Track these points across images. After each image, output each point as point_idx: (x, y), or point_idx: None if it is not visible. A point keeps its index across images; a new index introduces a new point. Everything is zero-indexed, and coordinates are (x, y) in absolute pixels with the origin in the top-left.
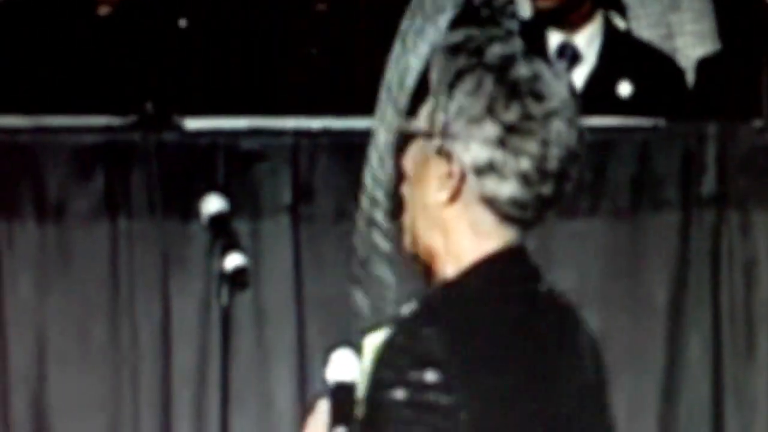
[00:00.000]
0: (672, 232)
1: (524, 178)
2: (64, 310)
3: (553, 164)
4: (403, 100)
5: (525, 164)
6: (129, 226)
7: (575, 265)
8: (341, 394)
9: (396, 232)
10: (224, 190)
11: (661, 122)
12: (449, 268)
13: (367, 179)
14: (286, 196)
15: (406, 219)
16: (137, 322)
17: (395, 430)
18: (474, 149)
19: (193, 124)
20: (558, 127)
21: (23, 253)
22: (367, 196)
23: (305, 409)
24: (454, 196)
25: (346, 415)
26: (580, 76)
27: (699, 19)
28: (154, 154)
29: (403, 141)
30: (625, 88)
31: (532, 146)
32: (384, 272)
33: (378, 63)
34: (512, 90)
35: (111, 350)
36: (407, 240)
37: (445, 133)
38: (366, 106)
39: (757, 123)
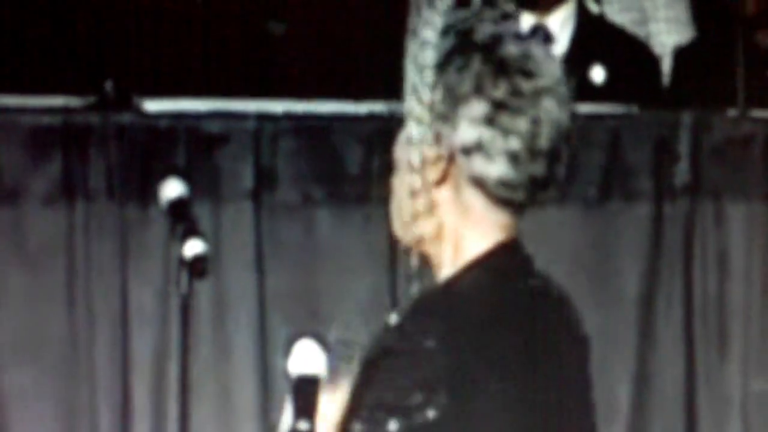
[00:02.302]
0: (644, 222)
1: (513, 158)
2: (19, 295)
3: (543, 143)
4: (428, 94)
5: (514, 143)
6: (86, 210)
7: (543, 256)
8: (304, 386)
9: None
10: (184, 175)
11: (633, 110)
12: (445, 256)
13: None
14: (248, 182)
15: (394, 208)
16: (94, 308)
17: None
18: (462, 129)
19: (153, 106)
20: (548, 105)
21: None
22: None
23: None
24: (443, 179)
25: (309, 408)
26: None
27: (673, 5)
28: (113, 136)
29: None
30: (598, 74)
31: (521, 124)
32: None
33: (343, 45)
34: (500, 67)
35: (67, 338)
36: (397, 229)
37: (437, 116)
38: (330, 89)
39: (732, 112)
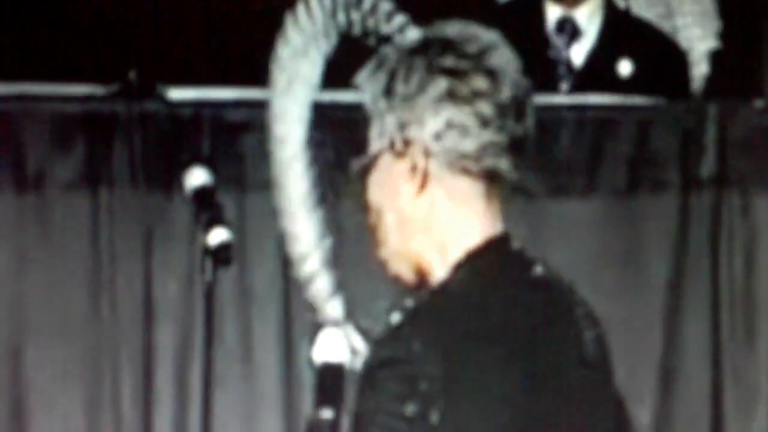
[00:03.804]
0: (670, 213)
1: (484, 121)
2: (44, 282)
3: (506, 94)
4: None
5: (480, 105)
6: (110, 198)
7: (570, 247)
8: (328, 374)
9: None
10: (209, 163)
11: (660, 101)
12: (438, 269)
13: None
14: (272, 170)
15: (385, 248)
16: (118, 296)
17: None
18: (428, 119)
19: (177, 94)
20: (498, 57)
21: (1, 223)
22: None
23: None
24: (423, 182)
25: (334, 396)
26: (579, 52)
27: None
28: (137, 124)
29: (362, 176)
30: (625, 67)
31: (479, 83)
32: (354, 338)
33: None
34: (442, 45)
35: (91, 324)
36: (394, 267)
37: (400, 127)
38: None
39: (758, 103)
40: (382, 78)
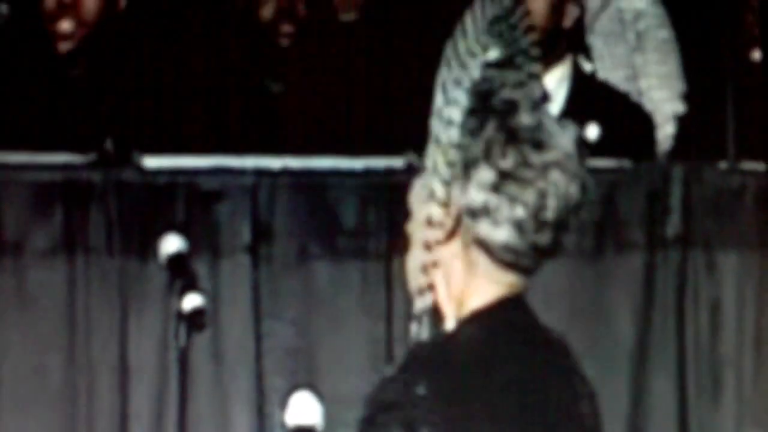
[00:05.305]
0: (637, 273)
1: (519, 226)
2: (20, 348)
3: (549, 215)
4: (452, 152)
5: (520, 212)
6: (87, 265)
7: (538, 308)
8: None
9: None
10: (183, 230)
11: (626, 163)
12: (449, 310)
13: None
14: (246, 236)
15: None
16: (94, 361)
17: None
18: (470, 192)
19: (152, 162)
20: (556, 178)
21: None
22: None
23: None
24: (450, 236)
25: None
26: None
27: (664, 61)
28: (113, 192)
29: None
30: (592, 131)
31: (527, 195)
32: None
33: (340, 100)
34: (511, 136)
35: (67, 390)
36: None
37: (453, 177)
38: (326, 145)
39: (722, 165)
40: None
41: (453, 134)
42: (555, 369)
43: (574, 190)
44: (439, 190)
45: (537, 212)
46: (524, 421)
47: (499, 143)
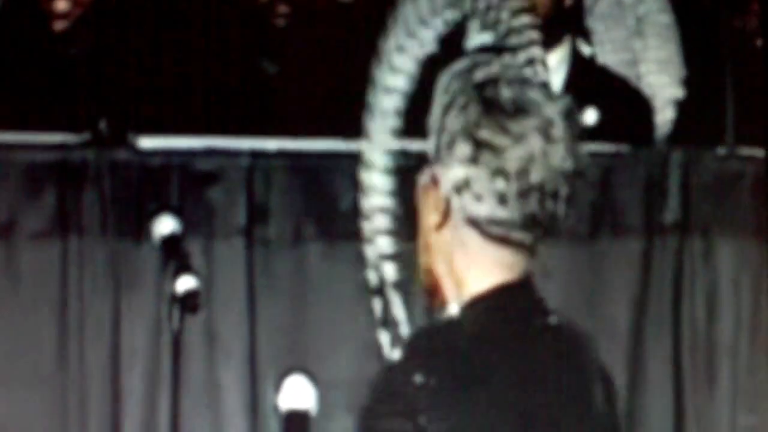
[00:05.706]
0: (633, 258)
1: (501, 197)
2: (12, 330)
3: (533, 181)
4: (392, 121)
5: (500, 183)
6: (80, 246)
7: None
8: (294, 421)
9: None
10: (177, 211)
11: (624, 148)
12: (449, 293)
13: (366, 205)
14: (241, 218)
15: (420, 249)
16: (86, 343)
17: None
18: (453, 169)
19: (147, 143)
20: (537, 143)
21: None
22: (368, 222)
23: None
24: (444, 220)
25: None
26: None
27: (663, 46)
28: (107, 173)
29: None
30: (590, 115)
31: (507, 163)
32: (396, 306)
33: (336, 82)
34: (488, 108)
35: (59, 372)
36: (420, 272)
37: (436, 158)
38: (322, 127)
39: (721, 150)
40: (452, 89)
41: (395, 101)
42: (559, 354)
43: (558, 155)
44: (378, 159)
45: (519, 178)
46: (526, 408)
47: (476, 114)
